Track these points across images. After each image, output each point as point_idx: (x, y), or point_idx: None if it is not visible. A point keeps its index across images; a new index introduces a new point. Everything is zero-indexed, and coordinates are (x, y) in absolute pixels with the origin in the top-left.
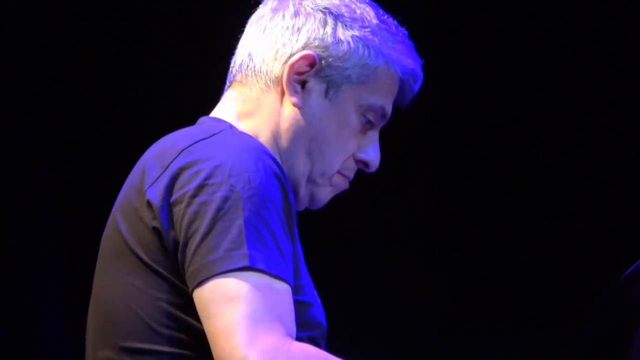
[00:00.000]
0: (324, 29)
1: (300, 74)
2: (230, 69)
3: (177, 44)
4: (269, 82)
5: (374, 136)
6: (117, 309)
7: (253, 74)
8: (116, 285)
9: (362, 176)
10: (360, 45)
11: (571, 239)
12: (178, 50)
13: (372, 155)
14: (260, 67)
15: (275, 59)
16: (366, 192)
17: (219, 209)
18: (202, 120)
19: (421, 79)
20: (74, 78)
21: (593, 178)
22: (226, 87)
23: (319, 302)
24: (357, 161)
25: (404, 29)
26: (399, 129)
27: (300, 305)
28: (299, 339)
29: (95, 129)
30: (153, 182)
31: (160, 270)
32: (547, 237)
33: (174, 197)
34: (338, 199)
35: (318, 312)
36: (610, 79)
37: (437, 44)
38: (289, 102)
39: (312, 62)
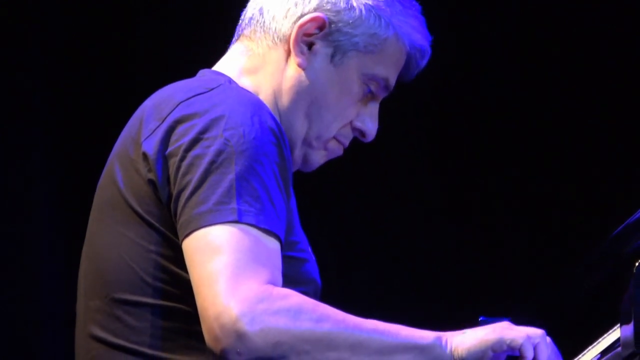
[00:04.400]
0: None
1: (308, 35)
2: (240, 22)
3: (177, 41)
4: (276, 39)
5: (373, 106)
6: (110, 259)
7: (262, 30)
8: (109, 235)
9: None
10: (372, 14)
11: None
12: (178, 46)
13: (370, 125)
14: (270, 24)
15: (286, 17)
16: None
17: (212, 162)
18: (203, 72)
19: (429, 55)
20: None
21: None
22: (234, 39)
23: (314, 258)
24: (354, 129)
25: (417, 4)
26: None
27: (294, 261)
28: None
29: (95, 125)
30: (150, 134)
31: (154, 222)
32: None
33: (169, 149)
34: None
35: (312, 268)
36: (608, 73)
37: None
38: (294, 61)
39: (322, 25)
